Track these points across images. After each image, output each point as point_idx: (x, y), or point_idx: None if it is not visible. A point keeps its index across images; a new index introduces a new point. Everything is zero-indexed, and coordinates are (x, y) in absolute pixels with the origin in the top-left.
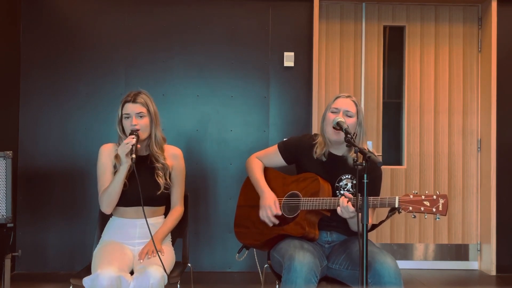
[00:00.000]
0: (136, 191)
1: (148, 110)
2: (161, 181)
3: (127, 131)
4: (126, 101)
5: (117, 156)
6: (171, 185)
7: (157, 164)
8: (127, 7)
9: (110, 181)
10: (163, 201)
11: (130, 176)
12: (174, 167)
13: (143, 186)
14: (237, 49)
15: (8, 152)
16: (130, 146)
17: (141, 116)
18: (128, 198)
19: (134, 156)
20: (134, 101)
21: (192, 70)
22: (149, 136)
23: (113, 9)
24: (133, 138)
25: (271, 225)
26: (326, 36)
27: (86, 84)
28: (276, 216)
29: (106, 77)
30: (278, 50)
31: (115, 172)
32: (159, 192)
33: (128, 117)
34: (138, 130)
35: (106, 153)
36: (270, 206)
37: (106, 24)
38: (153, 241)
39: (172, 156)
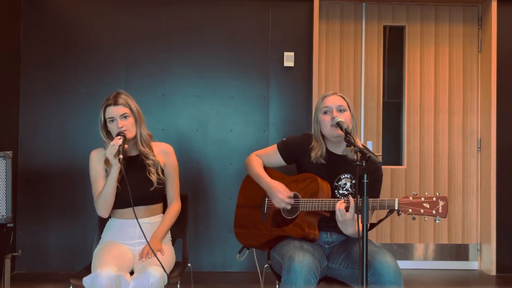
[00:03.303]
0: (129, 191)
1: (131, 110)
2: (153, 177)
3: (114, 134)
4: (107, 105)
5: (106, 161)
6: (166, 181)
7: (147, 162)
8: (127, 7)
9: (102, 186)
10: (159, 198)
11: (122, 178)
12: (166, 164)
13: (136, 186)
14: (237, 49)
15: (8, 152)
16: (117, 147)
17: (125, 117)
18: (122, 200)
19: (121, 156)
20: (115, 103)
21: (192, 70)
22: (135, 135)
23: (113, 10)
24: (120, 139)
25: (289, 207)
26: (326, 36)
27: (86, 85)
28: (275, 218)
29: (106, 78)
30: (278, 50)
31: (107, 176)
32: (152, 189)
33: (112, 121)
34: (125, 131)
35: (96, 158)
36: (280, 189)
37: (106, 24)
38: (149, 245)
39: (163, 153)
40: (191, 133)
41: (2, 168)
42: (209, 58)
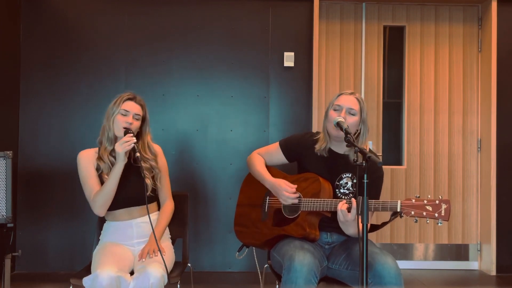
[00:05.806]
0: (124, 192)
1: (144, 114)
2: (148, 182)
3: (119, 127)
4: (129, 98)
5: (99, 158)
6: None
7: (143, 164)
8: (127, 7)
9: (97, 184)
10: (154, 198)
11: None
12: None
13: (132, 186)
14: (237, 49)
15: (8, 152)
16: (132, 144)
17: (137, 119)
18: (117, 200)
19: (138, 154)
20: (136, 101)
21: (192, 70)
22: (139, 140)
23: (113, 10)
24: (133, 137)
25: (296, 201)
26: (326, 36)
27: (86, 84)
28: (276, 217)
29: (106, 78)
30: (278, 50)
31: (99, 175)
32: (148, 193)
33: (125, 114)
34: (131, 129)
35: (87, 159)
36: (284, 187)
37: (106, 24)
38: (155, 238)
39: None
40: (191, 133)
41: (2, 168)
42: (209, 58)
